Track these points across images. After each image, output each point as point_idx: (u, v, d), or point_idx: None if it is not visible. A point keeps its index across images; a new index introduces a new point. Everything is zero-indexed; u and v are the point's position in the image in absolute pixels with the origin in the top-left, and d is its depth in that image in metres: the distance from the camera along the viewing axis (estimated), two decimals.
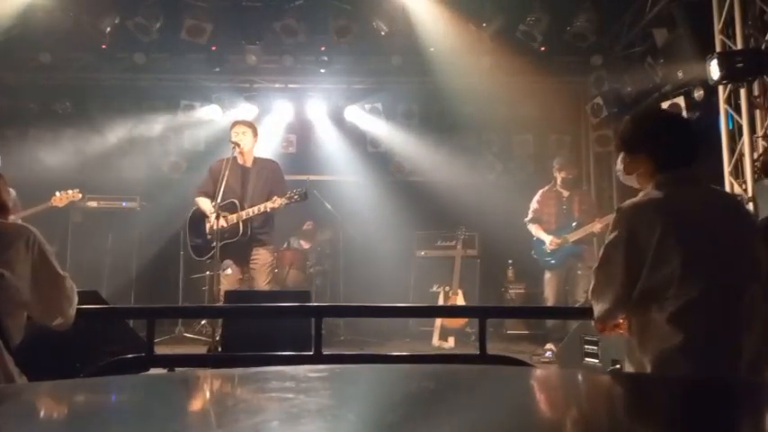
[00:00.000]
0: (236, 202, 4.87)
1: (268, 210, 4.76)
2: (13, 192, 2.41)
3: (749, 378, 1.88)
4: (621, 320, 2.19)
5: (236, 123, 5.14)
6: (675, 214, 2.03)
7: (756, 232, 2.14)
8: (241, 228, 4.81)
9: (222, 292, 4.69)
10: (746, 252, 2.05)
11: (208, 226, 4.90)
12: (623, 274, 2.04)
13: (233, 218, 4.81)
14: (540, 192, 6.06)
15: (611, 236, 2.10)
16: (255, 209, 4.78)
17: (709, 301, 1.95)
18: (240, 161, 5.01)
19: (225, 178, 4.68)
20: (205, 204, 4.97)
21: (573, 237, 5.76)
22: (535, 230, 5.93)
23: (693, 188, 2.14)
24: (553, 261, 5.81)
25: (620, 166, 2.29)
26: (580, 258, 5.86)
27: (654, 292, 2.01)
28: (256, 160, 5.13)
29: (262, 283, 4.88)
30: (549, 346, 5.63)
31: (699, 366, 1.92)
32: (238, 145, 4.88)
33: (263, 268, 4.92)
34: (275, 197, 4.75)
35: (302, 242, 7.43)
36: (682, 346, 1.92)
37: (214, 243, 4.69)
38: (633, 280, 2.03)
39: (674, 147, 2.16)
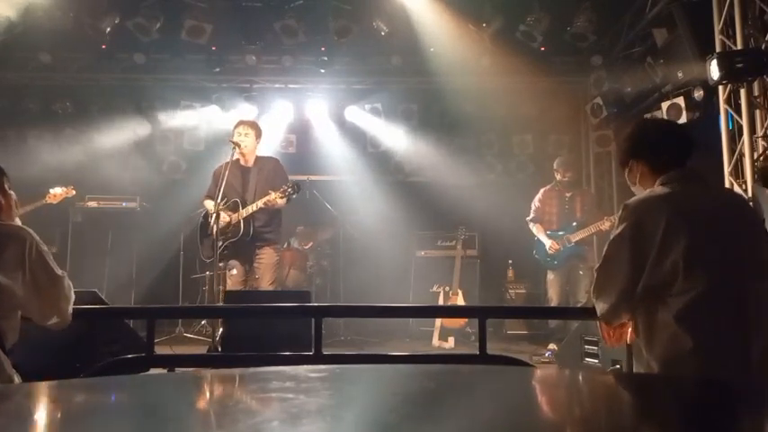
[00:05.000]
0: (239, 201, 4.88)
1: (265, 206, 4.73)
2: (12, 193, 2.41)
3: (758, 379, 1.87)
4: (627, 321, 2.17)
5: (239, 123, 5.10)
6: (681, 208, 2.02)
7: (762, 231, 2.13)
8: (242, 226, 4.80)
9: (223, 292, 4.70)
10: (753, 250, 2.04)
11: (214, 227, 4.92)
12: (629, 268, 2.03)
13: (235, 216, 4.82)
14: (542, 190, 6.07)
15: (617, 231, 2.10)
16: (253, 206, 4.78)
17: (716, 298, 1.94)
18: (242, 162, 5.02)
19: (225, 179, 4.68)
20: (210, 206, 4.99)
21: (575, 237, 5.77)
22: (536, 231, 5.94)
23: (699, 185, 2.14)
24: (555, 261, 5.83)
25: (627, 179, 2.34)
26: (582, 259, 5.87)
27: (658, 289, 1.99)
28: (257, 159, 5.12)
29: (266, 283, 4.89)
30: (551, 346, 5.63)
31: (708, 367, 1.91)
32: (238, 145, 4.87)
33: (267, 268, 4.92)
34: (270, 191, 4.73)
35: (301, 242, 7.43)
36: (691, 347, 1.91)
37: (219, 243, 4.70)
38: (638, 274, 2.01)
39: (660, 147, 2.20)
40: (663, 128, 2.37)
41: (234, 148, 4.85)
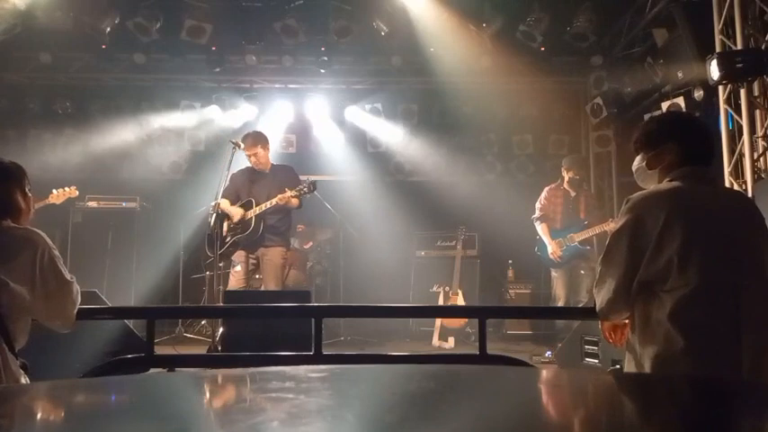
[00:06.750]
0: (253, 200, 5.02)
1: (279, 202, 4.83)
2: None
3: (750, 378, 1.87)
4: (627, 320, 2.17)
5: (245, 148, 5.09)
6: (683, 205, 2.02)
7: (764, 232, 2.12)
8: (252, 223, 4.94)
9: (223, 292, 4.75)
10: (750, 250, 2.04)
11: (225, 225, 5.08)
12: (626, 261, 2.03)
13: (248, 213, 4.97)
14: (547, 189, 6.08)
15: (618, 225, 2.10)
16: (267, 203, 4.91)
17: (708, 295, 1.94)
18: (258, 168, 5.18)
19: (246, 183, 4.94)
20: (225, 204, 5.12)
21: (579, 237, 5.80)
22: (541, 231, 5.95)
23: (706, 186, 2.14)
24: (558, 260, 5.84)
25: (639, 164, 2.27)
26: (584, 258, 5.89)
27: (652, 285, 1.99)
28: (273, 167, 5.30)
29: (271, 284, 4.98)
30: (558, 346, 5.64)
31: (700, 366, 1.91)
32: (239, 145, 5.00)
33: (273, 270, 5.03)
34: (285, 188, 4.86)
35: (301, 242, 7.43)
36: (682, 347, 1.91)
37: (227, 239, 4.87)
38: (636, 267, 2.01)
39: (702, 141, 2.20)
40: (706, 124, 2.35)
41: (234, 148, 4.96)
